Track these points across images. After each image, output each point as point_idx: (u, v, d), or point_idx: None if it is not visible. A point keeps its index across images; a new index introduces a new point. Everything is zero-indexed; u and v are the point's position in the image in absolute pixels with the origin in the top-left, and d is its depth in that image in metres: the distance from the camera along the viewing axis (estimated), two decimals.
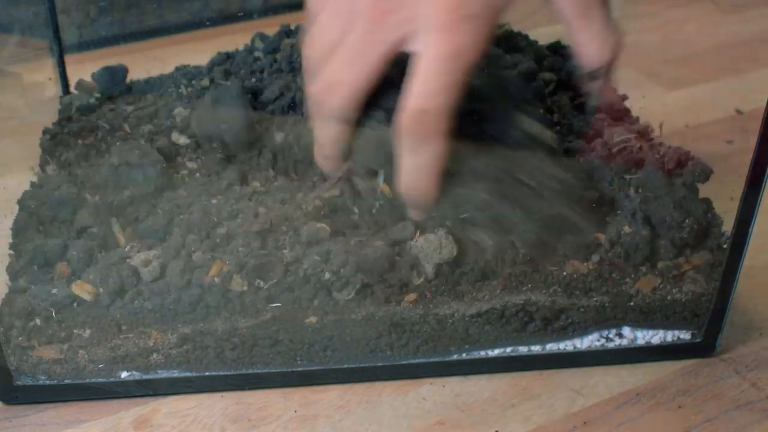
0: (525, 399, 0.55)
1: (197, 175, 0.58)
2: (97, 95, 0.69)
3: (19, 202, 0.57)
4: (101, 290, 0.51)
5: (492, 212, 0.50)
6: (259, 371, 0.54)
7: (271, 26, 0.97)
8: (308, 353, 0.54)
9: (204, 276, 0.51)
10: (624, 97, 0.68)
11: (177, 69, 0.73)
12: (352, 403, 0.54)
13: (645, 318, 0.56)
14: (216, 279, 0.51)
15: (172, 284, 0.51)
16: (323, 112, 0.50)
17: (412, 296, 0.53)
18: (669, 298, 0.55)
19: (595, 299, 0.54)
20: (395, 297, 0.53)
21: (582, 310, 0.55)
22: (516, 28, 0.80)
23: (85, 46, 0.89)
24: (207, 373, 0.54)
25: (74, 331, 0.52)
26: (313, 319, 0.53)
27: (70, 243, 0.53)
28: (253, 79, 0.67)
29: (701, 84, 0.88)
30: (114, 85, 0.70)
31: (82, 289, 0.51)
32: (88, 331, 0.52)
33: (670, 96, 0.86)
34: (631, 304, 0.55)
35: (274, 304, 0.52)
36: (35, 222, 0.55)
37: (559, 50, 0.74)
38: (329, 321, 0.53)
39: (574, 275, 0.53)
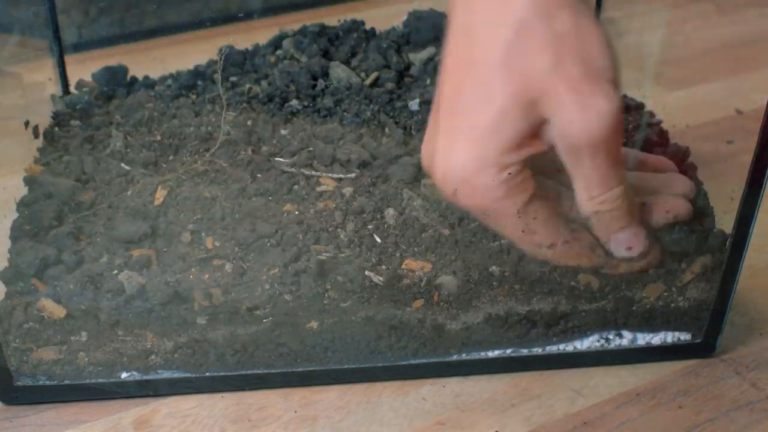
0: (525, 399, 0.55)
1: None
2: (85, 95, 0.69)
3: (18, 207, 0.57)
4: (83, 305, 0.51)
5: None
6: (259, 372, 0.54)
7: (271, 26, 0.97)
8: (308, 354, 0.54)
9: None
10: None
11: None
12: (352, 403, 0.54)
13: (646, 322, 0.55)
14: None
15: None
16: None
17: (418, 302, 0.53)
18: (672, 305, 0.55)
19: (597, 304, 0.54)
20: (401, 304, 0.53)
21: (584, 314, 0.55)
22: None
23: (85, 46, 0.89)
24: (207, 374, 0.54)
25: (71, 337, 0.52)
26: (314, 324, 0.53)
27: (52, 253, 0.53)
28: None
29: (701, 84, 0.88)
30: (115, 85, 0.70)
31: (50, 308, 0.51)
32: (84, 335, 0.52)
33: (670, 96, 0.86)
34: (633, 308, 0.55)
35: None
36: (30, 229, 0.55)
37: None
38: (330, 324, 0.53)
39: (584, 288, 0.53)
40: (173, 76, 0.73)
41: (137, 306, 0.51)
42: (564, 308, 0.54)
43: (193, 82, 0.70)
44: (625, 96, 0.70)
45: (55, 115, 0.67)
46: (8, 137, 0.76)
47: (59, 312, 0.51)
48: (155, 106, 0.66)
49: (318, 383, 0.55)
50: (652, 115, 0.67)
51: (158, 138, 0.62)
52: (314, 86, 0.67)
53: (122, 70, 0.71)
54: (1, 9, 0.81)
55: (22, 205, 0.57)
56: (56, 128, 0.65)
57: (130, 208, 0.56)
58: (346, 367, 0.55)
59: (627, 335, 0.56)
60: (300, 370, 0.55)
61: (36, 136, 0.65)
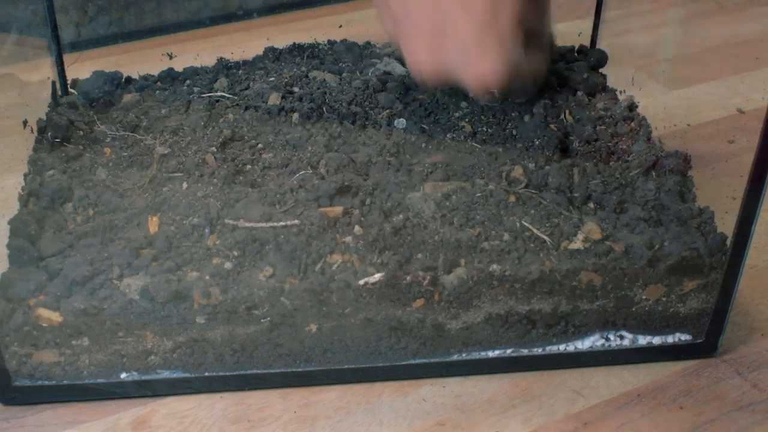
0: (525, 400, 0.54)
1: None
2: (81, 98, 0.68)
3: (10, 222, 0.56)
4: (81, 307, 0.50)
5: None
6: (258, 372, 0.54)
7: (270, 25, 0.96)
8: (308, 355, 0.54)
9: None
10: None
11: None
12: (351, 404, 0.54)
13: (647, 322, 0.55)
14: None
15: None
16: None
17: (419, 302, 0.53)
18: (673, 306, 0.55)
19: (598, 303, 0.54)
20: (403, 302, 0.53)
21: (585, 314, 0.54)
22: None
23: (83, 45, 0.89)
24: (206, 374, 0.54)
25: (72, 342, 0.52)
26: (313, 327, 0.53)
27: (51, 265, 0.53)
28: None
29: (703, 83, 0.88)
30: (107, 88, 0.69)
31: (48, 316, 0.50)
32: (84, 338, 0.52)
33: (671, 95, 0.86)
34: (634, 309, 0.55)
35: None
36: (27, 238, 0.55)
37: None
38: (330, 327, 0.53)
39: (585, 285, 0.53)
40: (162, 76, 0.73)
41: (137, 308, 0.51)
42: (565, 308, 0.54)
43: (182, 85, 0.70)
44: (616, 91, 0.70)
45: (49, 118, 0.66)
46: (6, 137, 0.75)
47: (56, 318, 0.50)
48: (144, 108, 0.67)
49: (317, 383, 0.55)
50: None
51: (146, 137, 0.63)
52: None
53: (114, 75, 0.71)
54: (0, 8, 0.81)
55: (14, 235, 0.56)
56: (50, 132, 0.64)
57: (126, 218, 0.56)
58: (345, 367, 0.55)
59: (628, 335, 0.56)
60: (299, 370, 0.54)
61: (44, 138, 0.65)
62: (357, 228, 0.53)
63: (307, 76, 0.69)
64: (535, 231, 0.54)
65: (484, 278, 0.52)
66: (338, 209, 0.55)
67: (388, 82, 0.68)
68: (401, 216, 0.55)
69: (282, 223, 0.54)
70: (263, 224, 0.54)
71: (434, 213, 0.55)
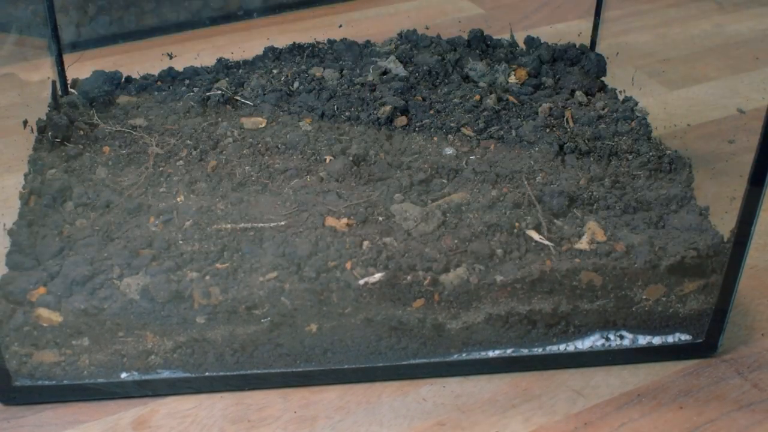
0: (525, 400, 0.54)
1: None
2: (81, 98, 0.69)
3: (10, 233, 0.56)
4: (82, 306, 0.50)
5: None
6: (258, 372, 0.54)
7: (270, 25, 0.96)
8: (308, 355, 0.54)
9: None
10: None
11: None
12: (351, 403, 0.54)
13: (647, 322, 0.55)
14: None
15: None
16: None
17: (419, 302, 0.53)
18: (673, 306, 0.55)
19: (598, 304, 0.54)
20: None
21: (585, 314, 0.54)
22: (516, 29, 0.80)
23: (83, 45, 0.89)
24: (206, 374, 0.54)
25: (72, 342, 0.52)
26: (313, 327, 0.53)
27: (51, 266, 0.53)
28: None
29: (703, 83, 0.88)
30: (107, 87, 0.69)
31: (48, 316, 0.50)
32: (86, 340, 0.52)
33: (671, 95, 0.86)
34: (634, 309, 0.55)
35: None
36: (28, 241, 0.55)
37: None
38: (330, 327, 0.53)
39: (585, 285, 0.53)
40: (162, 76, 0.73)
41: (137, 308, 0.51)
42: (565, 308, 0.54)
43: (182, 84, 0.71)
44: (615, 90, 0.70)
45: (49, 118, 0.66)
46: (5, 137, 0.75)
47: (56, 318, 0.50)
48: (143, 108, 0.67)
49: (317, 383, 0.55)
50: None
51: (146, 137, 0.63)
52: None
53: (114, 75, 0.71)
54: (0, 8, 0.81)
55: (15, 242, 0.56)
56: (50, 132, 0.64)
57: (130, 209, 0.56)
58: (345, 367, 0.55)
59: (628, 335, 0.56)
60: (299, 370, 0.54)
61: (43, 137, 0.65)
62: (366, 243, 0.54)
63: (307, 73, 0.70)
64: (537, 238, 0.54)
65: (485, 280, 0.52)
66: (343, 221, 0.55)
67: (388, 81, 0.69)
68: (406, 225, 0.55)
69: (272, 224, 0.54)
70: (254, 224, 0.54)
71: (436, 228, 0.55)
